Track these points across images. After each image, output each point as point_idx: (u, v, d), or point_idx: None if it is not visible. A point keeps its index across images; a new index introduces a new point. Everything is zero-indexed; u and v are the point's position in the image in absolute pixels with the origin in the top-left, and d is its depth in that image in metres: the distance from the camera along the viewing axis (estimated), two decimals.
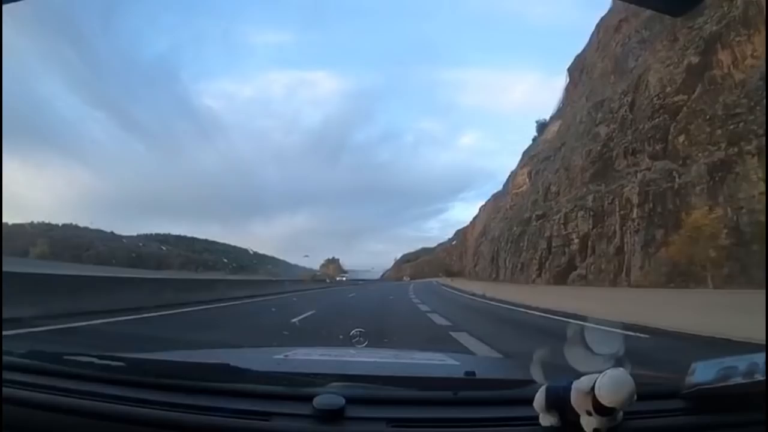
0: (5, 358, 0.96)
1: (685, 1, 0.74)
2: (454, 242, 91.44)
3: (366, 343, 1.71)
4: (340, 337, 2.76)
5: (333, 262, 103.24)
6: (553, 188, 32.58)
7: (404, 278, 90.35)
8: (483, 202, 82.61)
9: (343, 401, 0.81)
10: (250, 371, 0.99)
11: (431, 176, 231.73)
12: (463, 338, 5.69)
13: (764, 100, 14.42)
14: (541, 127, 47.61)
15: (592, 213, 25.62)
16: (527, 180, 42.15)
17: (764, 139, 16.15)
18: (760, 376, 0.73)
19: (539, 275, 30.53)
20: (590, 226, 25.61)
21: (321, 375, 1.00)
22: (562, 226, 28.42)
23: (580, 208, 26.89)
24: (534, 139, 49.62)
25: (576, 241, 26.75)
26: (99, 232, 75.77)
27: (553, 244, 29.18)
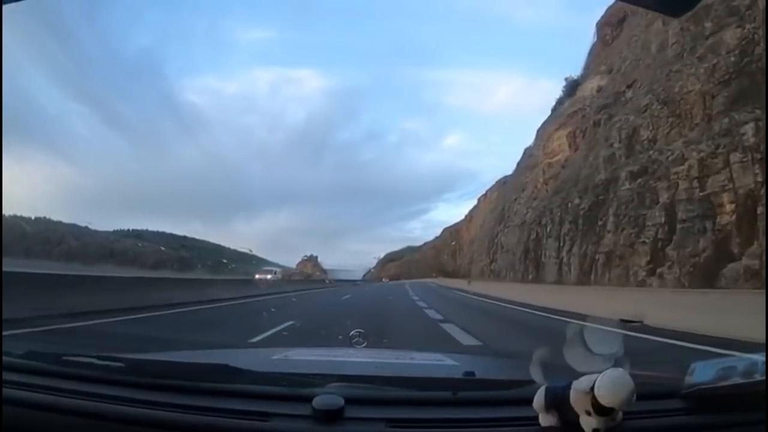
0: (4, 358, 0.96)
1: (685, 1, 0.74)
2: (453, 242, 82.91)
3: (365, 343, 1.71)
4: (340, 337, 2.75)
5: (311, 259, 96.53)
6: (645, 133, 20.33)
7: (383, 279, 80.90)
8: (476, 199, 73.31)
9: (342, 402, 0.81)
10: (249, 371, 0.99)
11: (415, 176, 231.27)
12: None
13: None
14: (572, 85, 36.72)
15: (758, 155, 13.92)
16: (568, 143, 30.67)
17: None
18: (759, 376, 0.73)
19: (652, 272, 16.64)
20: (759, 178, 13.78)
21: (320, 375, 1.00)
22: (694, 184, 15.92)
23: (731, 148, 14.92)
24: (555, 108, 39.44)
25: (729, 206, 14.53)
26: (73, 227, 72.68)
27: (681, 217, 16.07)
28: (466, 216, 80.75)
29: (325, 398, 0.82)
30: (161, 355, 1.48)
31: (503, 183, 52.92)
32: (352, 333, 1.71)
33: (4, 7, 0.91)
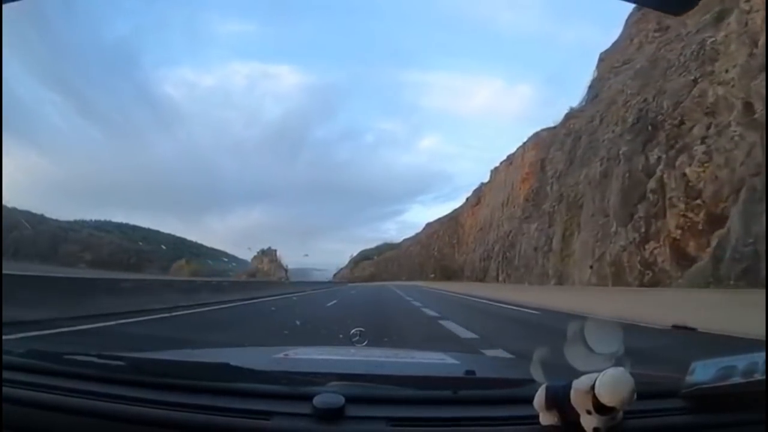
0: (5, 357, 0.96)
1: (686, 1, 0.74)
2: (455, 241, 63.72)
3: (366, 342, 1.71)
4: (340, 336, 2.76)
5: (268, 254, 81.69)
6: None
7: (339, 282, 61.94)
8: (471, 190, 57.31)
9: (343, 400, 0.81)
10: (249, 370, 0.99)
11: (390, 177, 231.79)
12: None
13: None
14: None
15: None
16: None
17: None
18: (759, 376, 0.73)
19: None
20: None
21: (321, 374, 1.00)
22: None
23: None
24: None
25: None
26: (28, 214, 68.59)
27: None
28: (468, 200, 62.22)
29: (326, 397, 0.83)
30: (162, 354, 1.48)
31: (542, 136, 34.45)
32: (353, 332, 1.71)
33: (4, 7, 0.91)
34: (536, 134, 37.39)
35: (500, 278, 33.02)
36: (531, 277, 25.96)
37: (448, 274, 50.16)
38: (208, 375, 0.98)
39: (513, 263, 31.29)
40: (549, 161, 30.64)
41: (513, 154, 43.51)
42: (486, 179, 54.72)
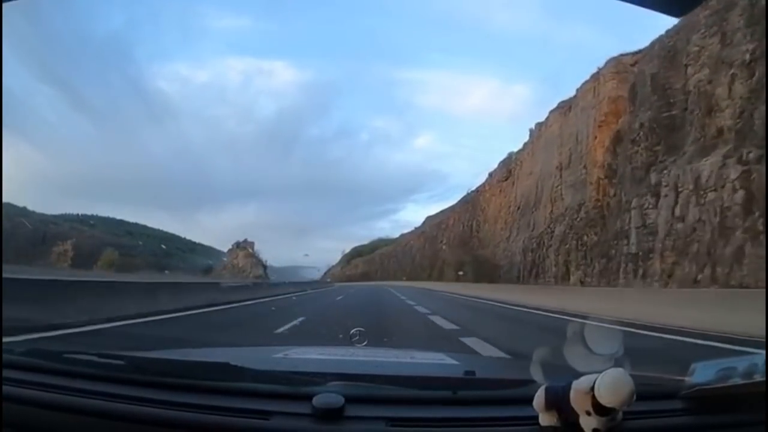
0: (5, 356, 0.96)
1: (685, 1, 0.74)
2: (474, 230, 47.45)
3: (366, 342, 1.71)
4: (340, 336, 2.75)
5: (244, 246, 72.98)
6: None
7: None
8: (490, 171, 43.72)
9: (342, 400, 0.81)
10: (249, 370, 0.99)
11: (384, 176, 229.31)
12: None
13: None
14: None
15: None
16: None
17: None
18: (759, 377, 0.73)
19: None
20: None
21: (320, 374, 1.00)
22: None
23: None
24: None
25: None
26: (9, 206, 63.61)
27: None
28: (492, 174, 45.86)
29: (326, 397, 0.83)
30: (162, 353, 1.48)
31: (603, 71, 25.93)
32: (352, 332, 1.71)
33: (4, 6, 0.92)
34: (614, 60, 26.26)
35: (572, 277, 21.17)
36: (737, 269, 12.37)
37: (488, 272, 33.89)
38: (208, 374, 0.98)
39: (608, 251, 18.97)
40: (693, 59, 16.24)
41: (574, 97, 29.91)
42: (517, 148, 40.21)
